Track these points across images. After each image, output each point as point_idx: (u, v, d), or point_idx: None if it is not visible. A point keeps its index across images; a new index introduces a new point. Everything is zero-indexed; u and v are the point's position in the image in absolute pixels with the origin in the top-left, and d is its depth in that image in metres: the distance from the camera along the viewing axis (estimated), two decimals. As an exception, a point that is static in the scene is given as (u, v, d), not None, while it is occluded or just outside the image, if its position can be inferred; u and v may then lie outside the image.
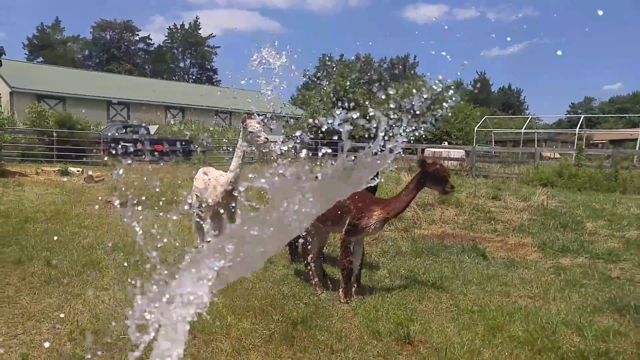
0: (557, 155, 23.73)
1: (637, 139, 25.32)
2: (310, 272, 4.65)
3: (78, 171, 13.75)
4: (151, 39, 65.11)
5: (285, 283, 4.70)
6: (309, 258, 4.65)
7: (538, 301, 4.53)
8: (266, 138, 4.82)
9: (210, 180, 5.04)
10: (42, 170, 13.60)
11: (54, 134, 16.79)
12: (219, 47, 70.28)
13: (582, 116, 30.05)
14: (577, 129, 27.24)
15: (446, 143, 25.84)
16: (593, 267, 5.77)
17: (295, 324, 3.66)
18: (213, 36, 66.90)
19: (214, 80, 65.41)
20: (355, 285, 4.47)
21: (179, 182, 12.13)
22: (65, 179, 12.75)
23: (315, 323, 3.72)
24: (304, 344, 3.36)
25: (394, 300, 4.27)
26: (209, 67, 67.04)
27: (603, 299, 4.56)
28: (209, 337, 3.39)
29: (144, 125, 24.10)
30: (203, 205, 5.09)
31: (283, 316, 3.78)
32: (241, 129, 4.92)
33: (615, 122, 50.56)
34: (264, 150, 4.88)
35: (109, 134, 19.78)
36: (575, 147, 21.50)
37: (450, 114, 28.91)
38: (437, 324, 3.82)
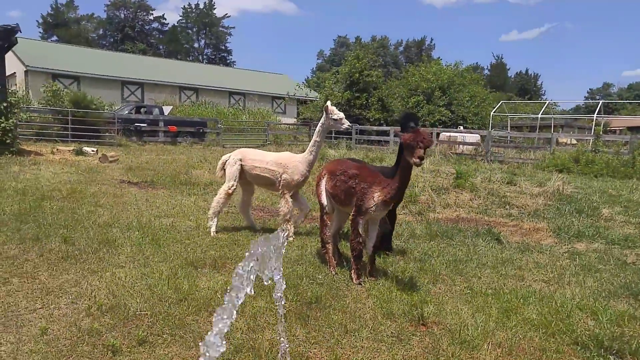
0: (574, 141, 23.31)
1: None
2: (326, 252, 4.66)
3: (93, 151, 13.86)
4: (165, 19, 64.80)
5: (299, 263, 4.72)
6: (326, 237, 4.64)
7: (552, 285, 4.50)
8: (349, 125, 5.64)
9: (289, 161, 5.72)
10: (57, 149, 13.72)
11: (69, 114, 16.82)
12: (233, 27, 69.77)
13: (601, 102, 29.37)
14: (595, 115, 26.69)
15: (462, 127, 25.44)
16: (609, 252, 5.70)
17: (310, 303, 3.69)
18: (228, 16, 66.46)
19: (228, 61, 65.11)
20: (369, 267, 4.46)
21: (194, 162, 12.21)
22: (79, 159, 12.87)
23: (329, 303, 3.74)
24: (318, 323, 3.38)
25: (408, 282, 4.27)
26: (223, 47, 66.67)
27: (618, 284, 4.52)
28: (224, 314, 3.42)
29: (158, 105, 24.14)
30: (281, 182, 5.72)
31: (297, 295, 3.80)
32: (324, 115, 5.51)
33: (634, 109, 49.48)
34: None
35: (123, 114, 19.81)
36: (592, 133, 21.10)
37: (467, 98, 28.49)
38: (451, 305, 3.81)
